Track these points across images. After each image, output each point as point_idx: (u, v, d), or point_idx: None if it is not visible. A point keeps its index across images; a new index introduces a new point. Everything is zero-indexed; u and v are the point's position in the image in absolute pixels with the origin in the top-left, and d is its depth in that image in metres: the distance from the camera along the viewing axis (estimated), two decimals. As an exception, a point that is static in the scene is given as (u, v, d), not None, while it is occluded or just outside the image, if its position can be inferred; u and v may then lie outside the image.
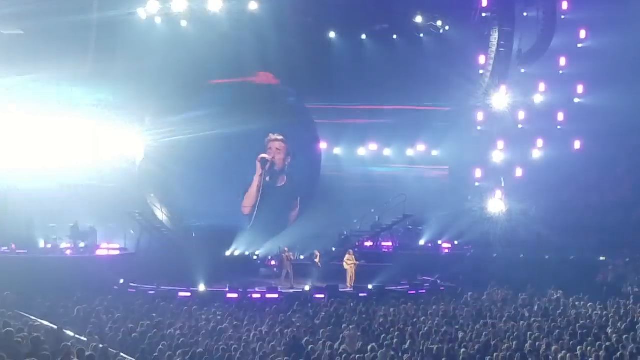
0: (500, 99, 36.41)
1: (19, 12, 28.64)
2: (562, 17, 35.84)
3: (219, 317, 22.31)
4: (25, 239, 30.88)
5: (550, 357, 16.93)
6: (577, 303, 25.33)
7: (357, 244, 34.25)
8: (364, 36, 36.97)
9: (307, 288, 28.90)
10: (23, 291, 24.92)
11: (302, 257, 32.26)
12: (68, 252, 31.18)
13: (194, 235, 33.93)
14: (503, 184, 36.53)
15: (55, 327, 18.86)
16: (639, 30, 35.42)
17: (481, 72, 36.16)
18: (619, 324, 20.96)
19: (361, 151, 37.87)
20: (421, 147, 37.66)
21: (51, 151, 33.01)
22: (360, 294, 28.35)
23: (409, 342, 18.47)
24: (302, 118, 36.35)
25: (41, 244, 31.16)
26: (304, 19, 34.85)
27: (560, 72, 37.36)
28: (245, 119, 32.99)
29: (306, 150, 36.28)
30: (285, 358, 17.19)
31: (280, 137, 34.70)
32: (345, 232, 35.57)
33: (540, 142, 37.42)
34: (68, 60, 31.47)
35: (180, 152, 33.48)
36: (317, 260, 31.11)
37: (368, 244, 35.46)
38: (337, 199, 36.66)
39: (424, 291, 29.89)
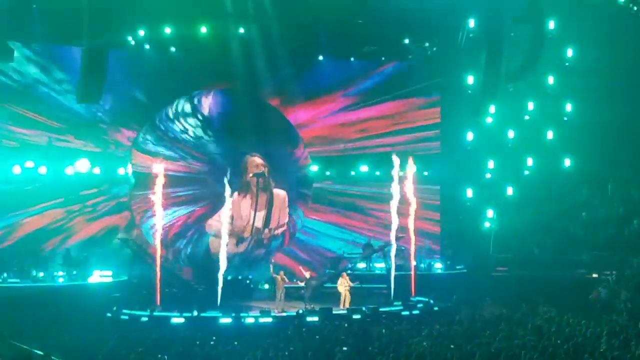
0: (490, 118, 36.63)
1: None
2: (550, 35, 35.96)
3: (212, 343, 22.24)
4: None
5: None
6: (571, 320, 25.28)
7: (350, 265, 34.26)
8: (352, 58, 37.21)
9: (300, 311, 28.81)
10: (15, 320, 24.90)
11: (295, 279, 32.16)
12: (60, 280, 31.13)
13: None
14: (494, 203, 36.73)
15: (47, 356, 18.78)
16: (626, 46, 35.55)
17: (470, 91, 36.32)
18: (613, 341, 20.94)
19: (352, 172, 37.77)
20: (412, 168, 37.59)
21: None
22: (354, 316, 28.32)
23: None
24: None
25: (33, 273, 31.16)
26: (292, 43, 35.01)
27: (549, 90, 37.46)
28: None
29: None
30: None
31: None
32: (337, 253, 35.66)
33: (530, 160, 37.47)
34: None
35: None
36: (307, 276, 30.96)
37: (361, 265, 35.42)
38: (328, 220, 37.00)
39: (417, 312, 29.84)
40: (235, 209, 34.78)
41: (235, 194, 34.87)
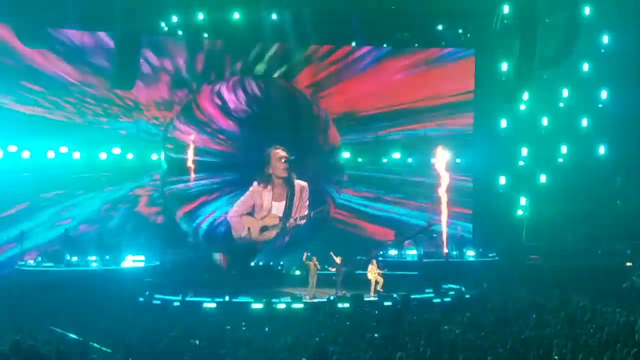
0: (524, 105, 36.35)
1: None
2: (585, 22, 35.59)
3: (244, 328, 22.33)
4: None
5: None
6: (604, 309, 25.09)
7: (380, 252, 34.24)
8: (385, 45, 37.03)
9: (331, 297, 28.84)
10: (49, 304, 25.16)
11: (326, 266, 32.14)
12: (93, 264, 31.38)
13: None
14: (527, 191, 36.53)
15: (81, 339, 18.96)
16: (663, 33, 35.18)
17: (504, 78, 36.09)
18: (647, 330, 20.74)
19: (384, 159, 37.61)
20: (445, 155, 37.53)
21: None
22: (385, 303, 28.30)
23: (435, 350, 18.33)
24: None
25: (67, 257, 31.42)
26: (325, 29, 34.92)
27: (584, 77, 37.07)
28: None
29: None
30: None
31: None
32: (369, 241, 35.66)
33: (564, 148, 37.18)
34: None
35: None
36: (338, 262, 30.87)
37: (392, 252, 35.42)
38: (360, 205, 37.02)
39: (449, 299, 29.76)
40: (256, 199, 35.09)
41: (257, 184, 35.11)
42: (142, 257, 32.60)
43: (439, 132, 36.79)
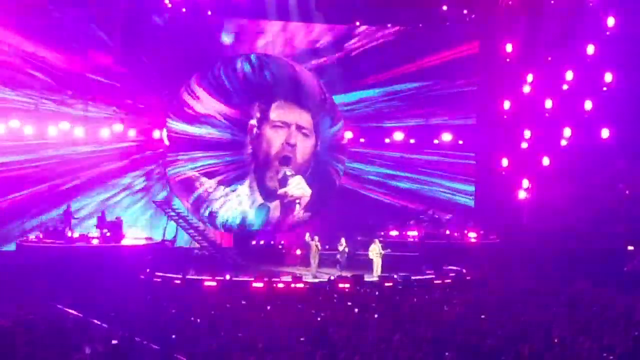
0: (527, 87, 36.21)
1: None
2: (590, 4, 35.39)
3: (244, 307, 22.33)
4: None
5: (577, 347, 16.75)
6: (605, 293, 25.09)
7: (382, 233, 34.24)
8: (389, 25, 36.84)
9: (331, 277, 28.86)
10: (49, 280, 25.18)
11: (327, 246, 32.14)
12: (95, 241, 31.38)
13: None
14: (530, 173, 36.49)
15: (81, 316, 18.96)
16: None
17: (508, 60, 35.93)
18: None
19: (387, 140, 37.58)
20: (447, 136, 37.49)
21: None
22: (386, 284, 28.31)
23: (435, 332, 18.34)
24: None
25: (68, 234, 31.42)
26: (329, 7, 34.80)
27: (588, 59, 36.88)
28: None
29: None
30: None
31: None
32: (371, 221, 35.64)
33: (567, 131, 37.04)
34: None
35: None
36: (343, 248, 30.98)
37: (394, 233, 35.41)
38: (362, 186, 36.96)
39: (449, 281, 29.77)
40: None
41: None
42: (144, 235, 32.64)
43: (442, 114, 36.79)
